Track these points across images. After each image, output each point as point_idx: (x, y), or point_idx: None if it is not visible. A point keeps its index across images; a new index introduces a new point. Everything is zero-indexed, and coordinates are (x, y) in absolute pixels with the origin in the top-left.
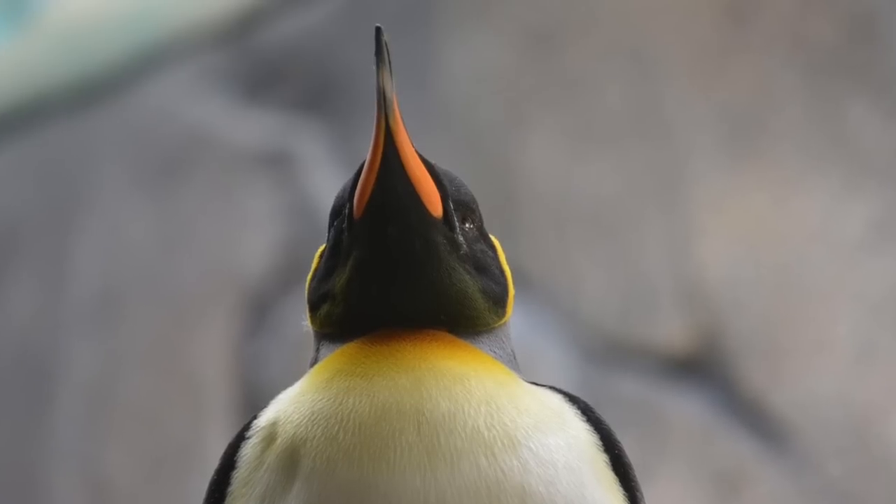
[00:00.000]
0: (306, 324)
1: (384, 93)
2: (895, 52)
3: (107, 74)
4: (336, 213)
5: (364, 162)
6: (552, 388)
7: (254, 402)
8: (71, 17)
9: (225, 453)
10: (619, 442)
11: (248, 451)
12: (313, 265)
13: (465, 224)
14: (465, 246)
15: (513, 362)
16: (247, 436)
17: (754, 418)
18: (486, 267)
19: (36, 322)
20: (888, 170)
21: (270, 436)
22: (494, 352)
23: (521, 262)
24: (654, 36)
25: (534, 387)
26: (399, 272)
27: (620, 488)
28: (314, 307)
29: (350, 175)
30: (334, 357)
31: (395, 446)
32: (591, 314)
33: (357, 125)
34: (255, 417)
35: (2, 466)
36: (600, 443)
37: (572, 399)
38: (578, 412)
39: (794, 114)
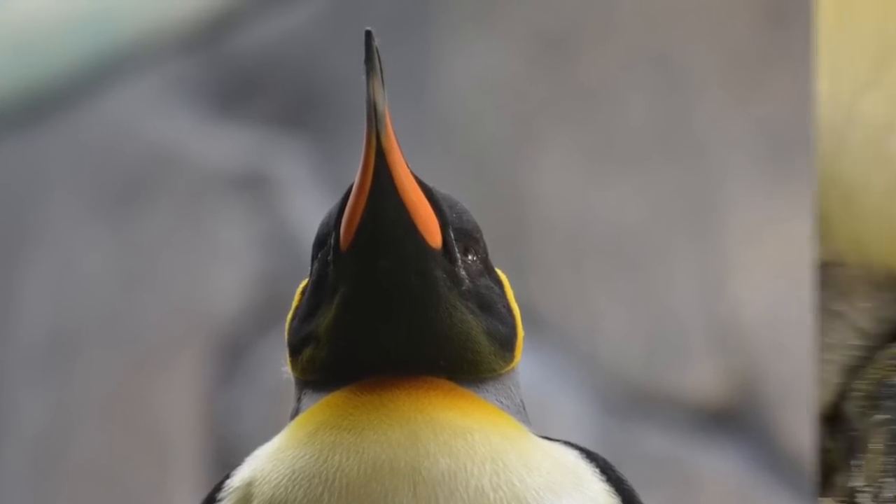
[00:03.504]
0: (286, 370)
1: (375, 106)
2: None
3: (59, 85)
4: (320, 243)
5: (352, 185)
6: (567, 443)
7: (226, 460)
8: (18, 18)
9: None
10: None
11: None
12: (294, 303)
13: (467, 256)
14: (467, 281)
15: (522, 413)
16: (218, 497)
17: (798, 477)
18: (491, 305)
19: None
20: None
21: (245, 498)
22: (501, 402)
23: (532, 300)
24: (683, 41)
25: (546, 442)
26: (392, 311)
27: None
28: (295, 351)
29: (336, 200)
30: (318, 408)
31: None
32: (611, 359)
33: (344, 143)
34: (227, 477)
35: None
36: None
37: (590, 456)
38: (597, 471)
39: None
